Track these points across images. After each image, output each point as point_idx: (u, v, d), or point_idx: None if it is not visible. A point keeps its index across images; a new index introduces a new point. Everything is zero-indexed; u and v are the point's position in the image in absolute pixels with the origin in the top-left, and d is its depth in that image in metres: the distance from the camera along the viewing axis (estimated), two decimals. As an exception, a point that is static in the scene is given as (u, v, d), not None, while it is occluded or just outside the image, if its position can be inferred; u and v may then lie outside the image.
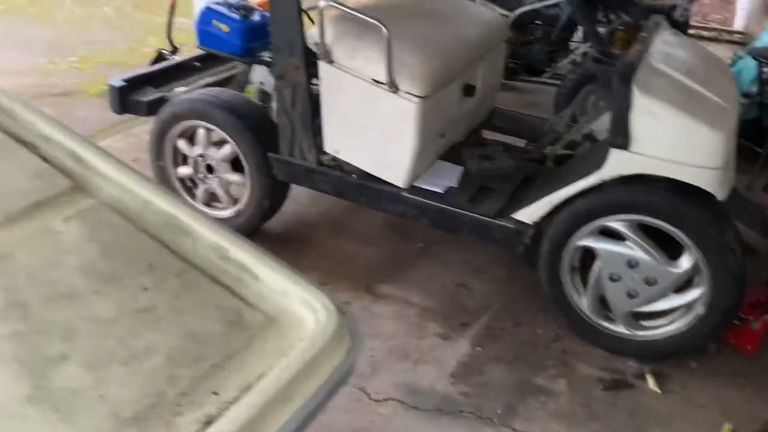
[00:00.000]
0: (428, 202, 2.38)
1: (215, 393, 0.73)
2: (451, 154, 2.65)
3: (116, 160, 1.01)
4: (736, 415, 2.05)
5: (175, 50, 3.52)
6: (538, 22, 4.12)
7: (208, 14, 2.55)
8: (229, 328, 0.81)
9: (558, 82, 3.87)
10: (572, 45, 4.24)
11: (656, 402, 2.09)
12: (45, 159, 0.95)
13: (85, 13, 5.87)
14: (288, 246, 2.77)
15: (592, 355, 2.26)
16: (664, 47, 2.36)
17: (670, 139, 1.96)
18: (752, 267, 2.70)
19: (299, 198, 3.07)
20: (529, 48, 4.12)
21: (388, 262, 2.73)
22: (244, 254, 0.90)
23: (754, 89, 3.71)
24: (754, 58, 3.58)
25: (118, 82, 2.72)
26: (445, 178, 2.49)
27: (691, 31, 6.64)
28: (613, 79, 2.00)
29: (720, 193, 1.99)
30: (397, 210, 2.45)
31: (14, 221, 0.81)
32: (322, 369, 0.78)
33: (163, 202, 0.92)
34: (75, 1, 6.14)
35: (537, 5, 3.87)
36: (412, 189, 2.41)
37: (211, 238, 0.91)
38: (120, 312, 0.75)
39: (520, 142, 2.93)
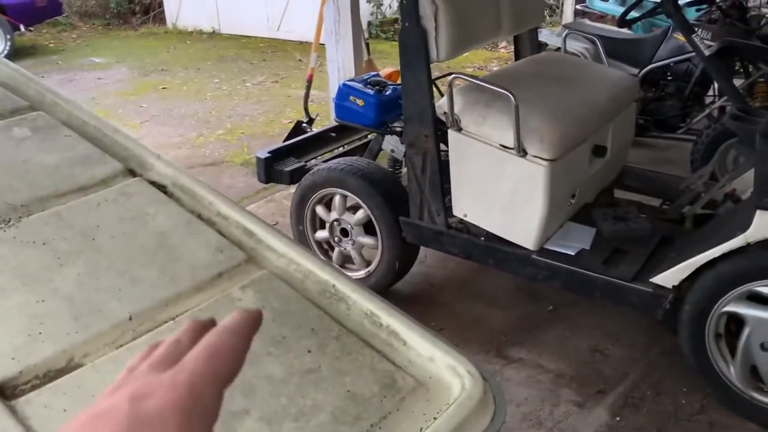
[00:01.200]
0: (559, 264, 2.37)
1: (373, 452, 0.79)
2: (582, 216, 2.63)
3: (282, 235, 1.13)
4: None
5: (311, 120, 3.82)
6: (669, 77, 4.03)
7: (345, 90, 2.76)
8: (384, 390, 0.87)
9: (692, 137, 3.73)
10: (708, 99, 4.08)
11: (824, 488, 1.89)
12: (223, 234, 1.09)
13: (231, 89, 6.49)
14: (416, 307, 2.84)
15: (743, 429, 2.10)
16: (813, 101, 2.23)
17: (825, 199, 1.84)
18: None
19: (427, 260, 3.15)
20: (661, 104, 4.02)
21: (518, 325, 2.71)
22: (394, 321, 0.97)
23: None
24: None
25: (264, 154, 2.98)
26: (576, 240, 2.47)
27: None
28: (756, 138, 1.93)
29: None
30: (526, 272, 2.46)
31: (202, 289, 0.94)
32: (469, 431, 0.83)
33: (322, 272, 1.03)
34: (222, 80, 6.81)
35: (666, 62, 3.80)
36: (542, 251, 2.41)
37: (364, 304, 0.99)
38: (290, 372, 0.84)
39: (653, 201, 2.84)
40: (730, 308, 2.04)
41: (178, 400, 0.36)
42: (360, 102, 2.68)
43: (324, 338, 0.94)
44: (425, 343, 0.96)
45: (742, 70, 4.06)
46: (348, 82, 2.80)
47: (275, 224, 3.54)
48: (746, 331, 2.03)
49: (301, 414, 0.80)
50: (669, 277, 2.13)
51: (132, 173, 1.21)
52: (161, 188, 1.17)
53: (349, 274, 2.88)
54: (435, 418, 0.85)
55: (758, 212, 1.93)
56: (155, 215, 1.10)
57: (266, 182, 3.04)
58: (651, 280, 2.17)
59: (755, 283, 1.98)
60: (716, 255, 2.02)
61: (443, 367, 0.93)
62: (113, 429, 0.34)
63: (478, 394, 0.87)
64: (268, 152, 3.01)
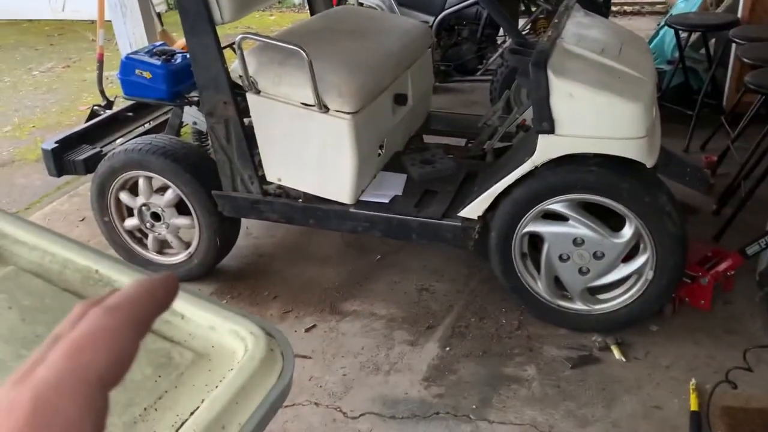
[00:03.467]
0: (376, 213, 2.41)
1: (151, 435, 0.74)
2: (394, 164, 2.69)
3: (33, 225, 1.01)
4: (700, 370, 2.11)
5: (109, 104, 3.52)
6: (463, 22, 4.21)
7: (129, 64, 2.55)
8: (158, 370, 0.82)
9: (490, 77, 3.96)
10: (499, 40, 4.35)
11: (623, 371, 2.14)
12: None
13: (15, 80, 5.80)
14: (247, 280, 2.77)
15: (557, 336, 2.31)
16: (577, 29, 2.44)
17: (592, 116, 2.03)
18: (696, 225, 2.81)
19: (252, 231, 3.07)
20: (458, 49, 4.21)
21: (349, 279, 2.75)
22: (168, 296, 0.90)
23: (677, 56, 3.85)
24: (670, 26, 3.72)
25: (50, 145, 2.70)
26: (389, 188, 2.52)
27: (614, 8, 6.87)
28: (529, 68, 2.07)
29: (648, 161, 2.06)
30: (346, 227, 2.48)
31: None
32: (254, 394, 0.80)
33: (82, 258, 0.93)
34: (3, 69, 6.06)
35: (457, 7, 3.96)
36: (359, 204, 2.44)
37: (133, 285, 0.91)
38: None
39: (461, 142, 2.99)
40: (529, 228, 2.21)
41: (15, 422, 0.28)
42: (147, 74, 2.50)
43: (86, 328, 0.85)
44: (205, 313, 0.90)
45: (525, 8, 4.36)
46: (131, 55, 2.59)
47: (82, 219, 3.26)
48: (546, 247, 2.21)
49: (60, 415, 0.72)
50: (474, 209, 2.26)
51: None
52: None
53: (169, 259, 2.73)
54: (217, 386, 0.81)
55: (540, 137, 2.08)
56: None
57: (58, 175, 2.75)
58: (459, 214, 2.29)
59: (546, 202, 2.15)
60: (510, 182, 2.17)
61: (225, 333, 0.88)
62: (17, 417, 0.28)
63: (261, 353, 0.84)
64: (55, 142, 2.72)
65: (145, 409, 0.77)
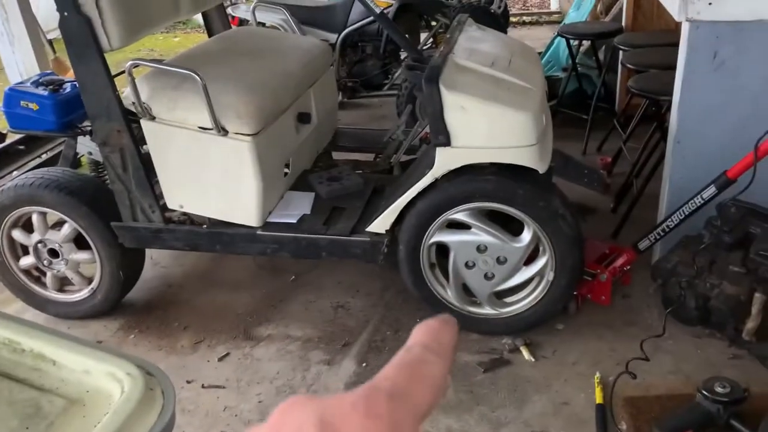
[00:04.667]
0: (284, 234, 2.39)
1: (16, 492, 0.70)
2: (301, 183, 2.68)
3: None
4: (604, 363, 2.21)
5: (1, 137, 3.34)
6: (366, 39, 4.27)
7: (12, 96, 2.43)
8: (25, 421, 0.78)
9: (395, 92, 4.02)
10: (403, 55, 4.42)
11: (532, 371, 2.21)
12: None
13: None
14: (155, 312, 2.68)
15: (468, 341, 2.36)
16: (469, 43, 2.52)
17: (485, 127, 2.10)
18: (596, 224, 2.95)
19: (159, 260, 2.98)
20: (363, 65, 4.26)
21: (263, 303, 2.71)
22: (38, 342, 0.87)
23: (569, 64, 4.04)
24: (561, 36, 3.91)
25: (-68, 184, 2.53)
26: (297, 208, 2.51)
27: (513, 19, 7.15)
28: (422, 83, 2.12)
29: (541, 167, 2.15)
30: (255, 250, 2.45)
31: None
32: (131, 435, 0.78)
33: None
34: None
35: (358, 24, 4.02)
36: (266, 225, 2.41)
37: (-1, 333, 0.87)
38: None
39: (371, 157, 3.02)
40: (435, 238, 2.26)
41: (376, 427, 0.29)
42: (34, 106, 2.38)
43: (-57, 386, 0.80)
44: (79, 357, 0.87)
45: (425, 23, 4.47)
46: (15, 87, 2.46)
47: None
48: (452, 256, 2.26)
49: None
50: (381, 224, 2.28)
51: None
52: None
53: (70, 296, 2.61)
54: (90, 433, 0.78)
55: (438, 150, 2.14)
56: None
57: (-59, 217, 2.58)
58: (367, 229, 2.31)
59: (449, 212, 2.20)
60: (413, 195, 2.21)
61: (101, 376, 0.86)
62: None
63: (138, 394, 0.82)
64: (-62, 180, 2.56)
65: (9, 465, 0.73)
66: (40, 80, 2.48)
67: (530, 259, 2.26)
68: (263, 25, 3.93)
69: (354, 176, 2.69)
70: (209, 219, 2.43)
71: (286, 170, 2.61)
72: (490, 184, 2.13)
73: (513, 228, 2.24)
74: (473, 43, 2.55)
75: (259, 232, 2.40)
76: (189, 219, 2.48)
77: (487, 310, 2.34)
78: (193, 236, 2.44)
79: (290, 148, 2.59)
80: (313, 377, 2.27)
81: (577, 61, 3.98)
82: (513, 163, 2.12)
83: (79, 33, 2.17)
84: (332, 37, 4.04)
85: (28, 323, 0.91)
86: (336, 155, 3.12)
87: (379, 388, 0.31)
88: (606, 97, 4.02)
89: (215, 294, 2.78)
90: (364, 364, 2.31)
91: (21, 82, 2.51)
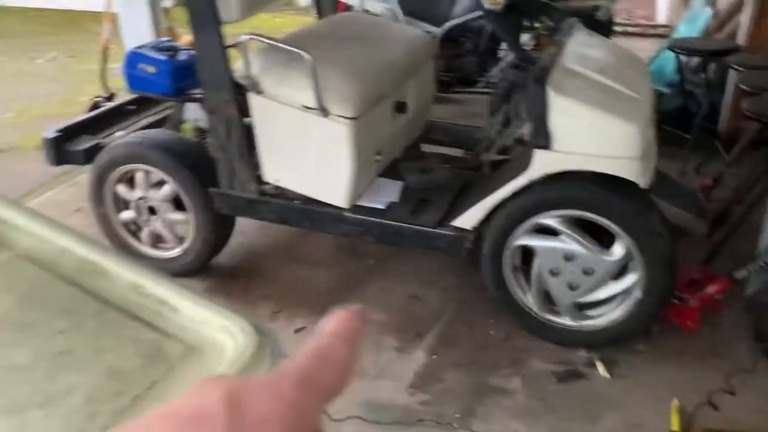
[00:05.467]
0: (371, 219, 2.43)
1: (137, 423, 0.75)
2: (391, 171, 2.71)
3: (32, 212, 1.03)
4: (683, 391, 2.13)
5: (111, 96, 3.53)
6: (467, 34, 4.25)
7: (134, 58, 2.57)
8: (149, 361, 0.83)
9: (491, 90, 3.98)
10: (501, 53, 4.38)
11: (607, 388, 2.16)
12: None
13: (18, 68, 5.81)
14: (239, 278, 2.78)
15: (544, 349, 2.32)
16: (578, 48, 2.47)
17: (588, 134, 2.05)
18: (688, 248, 2.83)
19: (246, 230, 3.08)
20: (461, 60, 4.24)
21: (341, 283, 2.76)
22: (162, 289, 0.92)
23: (676, 79, 3.89)
24: (671, 50, 3.76)
25: (51, 134, 2.71)
26: (385, 195, 2.55)
27: (617, 29, 6.92)
28: (528, 83, 2.10)
29: (642, 181, 2.09)
30: (341, 230, 2.50)
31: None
32: (241, 389, 0.81)
33: (78, 248, 0.95)
34: (8, 57, 6.07)
35: (462, 19, 4.00)
36: (355, 208, 2.46)
37: (128, 277, 0.93)
38: (36, 358, 0.77)
39: (459, 152, 3.01)
40: (521, 241, 2.23)
41: (284, 413, 0.30)
42: (152, 69, 2.51)
43: (80, 317, 0.87)
44: (197, 308, 0.92)
45: (530, 25, 4.39)
46: (137, 49, 2.60)
47: (77, 210, 3.26)
48: (537, 261, 2.23)
49: (49, 399, 0.74)
50: (468, 219, 2.28)
51: None
52: None
53: (163, 254, 2.74)
54: (205, 380, 0.82)
55: (536, 152, 2.11)
56: None
57: (57, 164, 2.76)
58: (453, 224, 2.31)
59: (539, 216, 2.17)
60: (505, 194, 2.19)
61: (216, 329, 0.90)
62: None
63: (251, 349, 0.85)
64: (57, 131, 2.73)
65: (134, 398, 0.78)
66: (159, 45, 2.61)
67: (618, 274, 2.20)
68: (367, 11, 3.97)
69: (443, 169, 2.69)
70: (301, 195, 2.50)
71: (377, 157, 2.64)
72: (588, 193, 2.09)
73: (603, 240, 2.19)
74: (583, 48, 2.50)
75: (347, 213, 2.44)
76: (281, 193, 2.55)
77: (566, 321, 2.30)
78: (285, 210, 2.51)
79: (385, 136, 2.62)
80: (384, 362, 2.30)
81: (684, 78, 3.81)
82: (614, 174, 2.07)
83: (203, 3, 2.26)
84: (434, 29, 4.03)
85: (153, 271, 0.97)
86: (425, 147, 3.13)
87: (288, 372, 0.32)
88: (711, 117, 3.84)
89: (296, 268, 2.86)
90: (434, 356, 2.33)
91: (141, 46, 2.65)
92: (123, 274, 0.94)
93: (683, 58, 3.79)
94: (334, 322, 0.37)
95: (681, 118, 3.86)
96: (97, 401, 0.76)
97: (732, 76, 3.72)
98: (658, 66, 4.30)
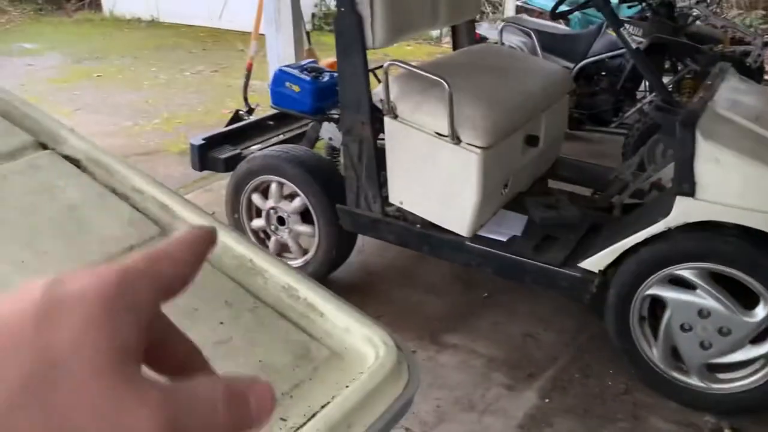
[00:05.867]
0: (492, 250, 2.40)
1: (283, 419, 0.78)
2: (516, 204, 2.68)
3: (199, 209, 1.11)
4: (827, 476, 1.92)
5: (250, 110, 3.76)
6: (603, 73, 4.15)
7: (280, 76, 2.73)
8: (297, 360, 0.87)
9: (625, 131, 3.85)
10: (639, 94, 4.23)
11: (736, 460, 1.99)
12: (137, 208, 1.06)
13: (168, 78, 6.32)
14: (353, 294, 2.84)
15: (666, 408, 2.18)
16: (730, 94, 2.34)
17: (738, 185, 1.93)
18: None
19: (366, 248, 3.15)
20: (595, 98, 4.14)
21: (453, 312, 2.74)
22: (311, 293, 0.96)
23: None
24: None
25: (198, 141, 2.92)
26: (509, 228, 2.51)
27: (767, 77, 6.48)
28: (676, 127, 2.01)
29: (795, 240, 1.93)
30: (460, 259, 2.49)
31: (112, 262, 0.91)
32: (380, 400, 0.83)
33: (239, 246, 1.01)
34: (160, 68, 6.63)
35: (600, 57, 3.91)
36: (476, 238, 2.45)
37: (281, 277, 0.98)
38: (200, 343, 0.82)
39: (586, 192, 2.93)
40: (653, 291, 2.12)
41: (104, 286, 0.29)
42: (296, 88, 2.65)
43: (238, 310, 0.92)
44: (342, 315, 0.95)
45: (672, 67, 4.22)
46: (284, 68, 2.76)
47: (212, 213, 3.46)
48: (667, 314, 2.11)
49: (209, 384, 0.79)
50: (595, 262, 2.20)
51: (43, 146, 1.16)
52: (74, 162, 1.13)
53: (288, 262, 2.86)
54: (347, 386, 0.84)
55: (678, 198, 2.01)
56: (65, 188, 1.05)
57: (200, 170, 2.97)
58: (579, 265, 2.24)
59: (675, 267, 2.06)
60: (639, 240, 2.09)
61: (359, 338, 0.93)
62: (23, 308, 0.28)
63: (391, 363, 0.87)
64: (203, 139, 2.95)
65: (282, 394, 0.82)
66: (305, 66, 2.76)
67: (758, 337, 2.03)
68: (503, 44, 3.98)
69: (571, 208, 2.62)
70: (423, 220, 2.52)
71: (504, 189, 2.62)
72: (732, 247, 1.96)
73: (744, 300, 2.03)
74: (735, 94, 2.36)
75: (467, 242, 2.43)
76: (403, 216, 2.59)
77: (694, 381, 2.14)
78: (406, 233, 2.55)
79: (513, 168, 2.60)
80: (493, 398, 2.25)
81: None
82: (762, 230, 1.92)
83: (350, 29, 2.37)
84: (570, 65, 3.97)
85: (305, 276, 1.01)
86: (552, 184, 3.06)
87: (116, 264, 0.31)
88: None
89: (410, 292, 2.88)
90: (546, 400, 2.25)
91: (288, 66, 2.81)
92: (276, 274, 0.99)
93: None
94: (183, 235, 0.35)
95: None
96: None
97: None
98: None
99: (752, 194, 1.92)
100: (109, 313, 0.29)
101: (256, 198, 2.80)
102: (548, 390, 2.29)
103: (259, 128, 3.27)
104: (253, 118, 3.43)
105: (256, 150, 2.95)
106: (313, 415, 0.80)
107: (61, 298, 0.29)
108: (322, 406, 0.81)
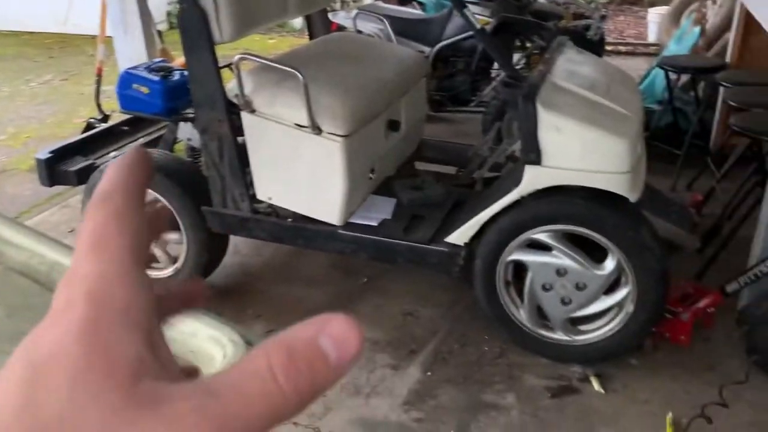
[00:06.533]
0: (364, 236, 2.44)
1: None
2: (384, 188, 2.73)
3: (23, 227, 1.03)
4: (677, 404, 2.12)
5: (105, 118, 3.55)
6: (459, 54, 4.30)
7: (127, 78, 2.59)
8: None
9: (482, 109, 4.02)
10: (493, 73, 4.43)
11: (601, 403, 2.16)
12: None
13: (12, 90, 5.83)
14: (232, 298, 2.78)
15: (537, 365, 2.32)
16: (568, 65, 2.50)
17: (578, 149, 2.07)
18: (680, 263, 2.84)
19: (241, 249, 3.09)
20: (452, 80, 4.29)
21: (334, 301, 2.76)
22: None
23: (666, 96, 3.94)
24: (661, 68, 3.81)
25: (44, 155, 2.72)
26: (378, 212, 2.55)
27: (608, 48, 7.00)
28: (518, 100, 2.12)
29: (632, 196, 2.10)
30: (334, 248, 2.50)
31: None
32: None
33: (70, 261, 0.95)
34: (2, 80, 6.10)
35: (453, 40, 4.05)
36: (347, 225, 2.47)
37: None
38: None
39: (451, 170, 3.03)
40: (514, 257, 2.24)
41: (79, 323, 0.25)
42: (145, 89, 2.53)
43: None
44: (188, 319, 0.92)
45: (520, 43, 4.45)
46: (130, 70, 2.63)
47: (71, 231, 3.26)
48: (529, 276, 2.24)
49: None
50: (460, 236, 2.29)
51: None
52: None
53: (155, 273, 2.74)
54: (194, 391, 0.82)
55: (527, 167, 2.13)
56: None
57: (50, 185, 2.77)
58: (446, 240, 2.32)
59: (531, 231, 2.18)
60: (497, 210, 2.20)
61: (205, 339, 0.90)
62: (6, 388, 0.24)
63: (239, 360, 0.86)
64: (50, 152, 2.74)
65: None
66: (152, 66, 2.64)
67: (610, 289, 2.21)
68: (359, 32, 4.02)
69: (436, 187, 2.71)
70: (294, 213, 2.50)
71: (370, 175, 2.66)
72: (579, 208, 2.10)
73: (595, 255, 2.20)
74: (572, 66, 2.53)
75: (340, 231, 2.45)
76: (275, 211, 2.56)
77: (559, 336, 2.30)
78: (278, 228, 2.52)
79: (377, 154, 2.64)
80: (378, 379, 2.29)
81: (673, 95, 3.86)
82: (603, 189, 2.08)
83: (195, 24, 2.29)
84: (425, 49, 4.08)
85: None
86: (418, 165, 3.15)
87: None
88: (701, 134, 3.88)
89: (289, 288, 2.85)
90: (428, 373, 2.32)
91: (135, 67, 2.67)
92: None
93: (672, 75, 3.84)
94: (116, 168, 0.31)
95: (672, 134, 3.91)
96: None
97: (722, 93, 3.77)
98: (649, 84, 4.35)
99: (591, 157, 2.08)
100: (93, 350, 0.25)
101: (116, 209, 2.65)
102: (430, 364, 2.37)
103: (113, 135, 3.10)
104: (105, 125, 3.23)
105: (111, 159, 2.79)
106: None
107: (40, 362, 0.24)
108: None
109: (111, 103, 3.96)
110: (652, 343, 2.35)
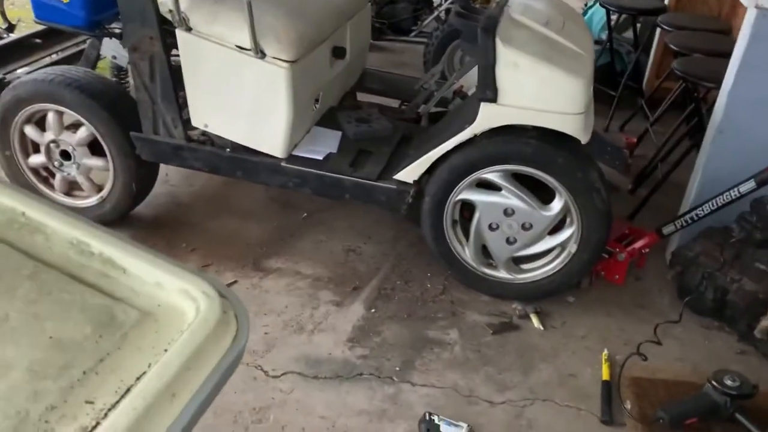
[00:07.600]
0: (309, 170, 2.33)
1: (90, 402, 0.66)
2: (328, 120, 2.61)
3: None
4: (612, 341, 2.21)
5: (11, 27, 3.19)
6: (401, -20, 4.12)
7: (42, -16, 2.30)
8: (99, 330, 0.74)
9: (424, 40, 3.90)
10: (436, 2, 4.29)
11: (540, 339, 2.21)
12: None
13: None
14: (163, 230, 2.63)
15: (479, 302, 2.35)
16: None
17: (535, 88, 2.03)
18: (615, 203, 2.91)
19: (171, 178, 2.91)
20: (393, 7, 4.12)
21: (273, 236, 2.66)
22: (107, 247, 0.82)
23: (604, 36, 3.94)
24: (602, 6, 3.79)
25: (-58, 67, 2.41)
26: (324, 145, 2.45)
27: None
28: (478, 34, 2.03)
29: (583, 137, 2.09)
30: (277, 181, 2.38)
31: None
32: (208, 359, 0.74)
33: (6, 199, 0.82)
34: None
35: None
36: (291, 158, 2.35)
37: (66, 232, 0.82)
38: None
39: (394, 103, 2.93)
40: (463, 196, 2.21)
41: None
42: (64, -2, 2.26)
43: (12, 280, 0.75)
44: (150, 268, 0.82)
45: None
46: (46, -26, 2.33)
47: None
48: (477, 215, 2.23)
49: (-17, 377, 0.63)
50: (409, 173, 2.23)
51: None
52: None
53: (77, 202, 2.54)
54: (166, 350, 0.73)
55: (482, 105, 2.07)
56: None
57: (-49, 102, 2.47)
58: (394, 177, 2.25)
59: (482, 171, 2.15)
60: (449, 148, 2.15)
61: (174, 292, 0.81)
62: None
63: (215, 316, 0.77)
64: (-51, 64, 2.43)
65: (84, 372, 0.69)
66: (73, -29, 2.34)
67: (555, 229, 2.23)
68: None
69: (383, 120, 2.62)
70: (232, 143, 2.36)
71: (315, 105, 2.53)
72: (530, 148, 2.08)
73: (541, 195, 2.20)
74: (527, 0, 2.45)
75: (283, 164, 2.33)
76: (210, 140, 2.40)
77: (502, 274, 2.32)
78: (215, 158, 2.37)
79: (322, 82, 2.50)
80: (321, 316, 2.25)
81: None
82: (556, 130, 2.06)
83: (123, -74, 2.03)
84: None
85: (97, 226, 0.86)
86: (360, 96, 3.03)
87: None
88: (635, 76, 3.94)
89: (225, 220, 2.73)
90: (372, 310, 2.30)
91: (52, -30, 2.37)
92: (60, 228, 0.83)
93: (613, 15, 3.84)
94: None
95: (607, 75, 3.94)
96: (41, 377, 0.66)
97: (658, 36, 3.82)
98: (587, 21, 4.34)
99: (546, 96, 2.04)
100: None
101: (30, 131, 2.41)
102: (373, 300, 2.35)
103: (24, 48, 2.80)
104: (14, 36, 2.90)
105: (22, 74, 2.52)
106: (128, 391, 0.68)
107: None
108: (138, 378, 0.70)
109: (16, 11, 3.56)
110: (589, 281, 2.42)
